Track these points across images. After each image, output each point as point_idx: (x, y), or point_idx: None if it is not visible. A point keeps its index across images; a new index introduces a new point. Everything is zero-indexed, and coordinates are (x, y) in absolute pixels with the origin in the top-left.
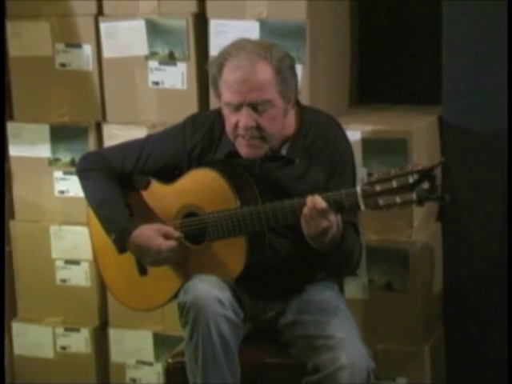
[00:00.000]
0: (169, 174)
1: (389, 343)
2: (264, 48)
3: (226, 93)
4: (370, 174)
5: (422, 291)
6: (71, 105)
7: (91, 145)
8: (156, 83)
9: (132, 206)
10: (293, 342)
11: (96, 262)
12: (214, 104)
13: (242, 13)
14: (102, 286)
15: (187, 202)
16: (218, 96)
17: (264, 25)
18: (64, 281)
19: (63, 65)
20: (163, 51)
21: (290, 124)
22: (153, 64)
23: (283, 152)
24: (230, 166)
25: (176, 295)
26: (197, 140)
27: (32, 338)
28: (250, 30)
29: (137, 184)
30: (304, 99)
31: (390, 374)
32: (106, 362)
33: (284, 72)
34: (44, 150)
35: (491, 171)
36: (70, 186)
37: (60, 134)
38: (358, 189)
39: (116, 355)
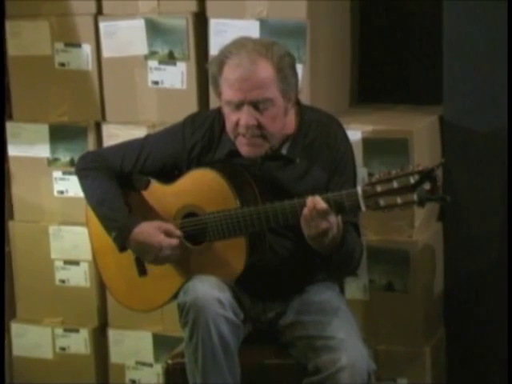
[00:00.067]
0: (168, 174)
1: (389, 344)
2: (265, 46)
3: (227, 91)
4: (370, 174)
5: (422, 292)
6: (70, 104)
7: (90, 145)
8: (156, 83)
9: (131, 206)
10: (293, 342)
11: (95, 263)
12: (213, 104)
13: (242, 12)
14: (102, 287)
15: (187, 202)
16: (219, 95)
17: (264, 24)
18: (63, 281)
19: (62, 64)
20: (163, 51)
21: (290, 123)
22: (152, 63)
23: (283, 151)
24: (230, 166)
25: (176, 296)
26: (196, 139)
27: (31, 339)
28: (250, 29)
29: (136, 184)
30: (304, 99)
31: (391, 375)
32: (105, 362)
33: (285, 70)
34: (43, 150)
35: (492, 171)
36: (69, 186)
37: (59, 134)
38: (359, 189)
39: (115, 356)
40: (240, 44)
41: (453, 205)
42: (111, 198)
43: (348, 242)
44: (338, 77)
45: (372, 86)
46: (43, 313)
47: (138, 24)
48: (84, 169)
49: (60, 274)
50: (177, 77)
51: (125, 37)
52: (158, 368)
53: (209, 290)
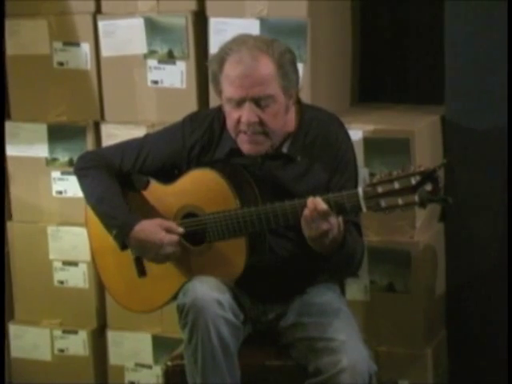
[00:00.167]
0: (168, 174)
1: (391, 345)
2: (265, 43)
3: (228, 88)
4: (371, 174)
5: (424, 293)
6: (69, 104)
7: (89, 144)
8: (155, 82)
9: (131, 206)
10: (293, 344)
11: (94, 263)
12: (213, 103)
13: (242, 11)
14: (101, 288)
15: (187, 202)
16: (219, 93)
17: (264, 23)
18: (62, 282)
19: (61, 63)
20: (162, 50)
21: (290, 121)
22: (152, 63)
23: (284, 150)
24: (230, 166)
25: (175, 297)
26: (196, 138)
27: (29, 341)
28: (250, 28)
29: (136, 184)
30: (305, 98)
31: (392, 377)
32: (104, 364)
33: (286, 67)
34: (42, 150)
35: (494, 171)
36: (68, 187)
37: (58, 134)
38: (360, 190)
39: (114, 358)
40: (241, 41)
41: (454, 205)
42: (111, 196)
43: (349, 242)
44: (338, 76)
45: (373, 86)
46: (41, 314)
47: (137, 23)
48: (83, 168)
49: (58, 275)
50: (176, 76)
51: (124, 36)
52: (158, 370)
53: (208, 291)
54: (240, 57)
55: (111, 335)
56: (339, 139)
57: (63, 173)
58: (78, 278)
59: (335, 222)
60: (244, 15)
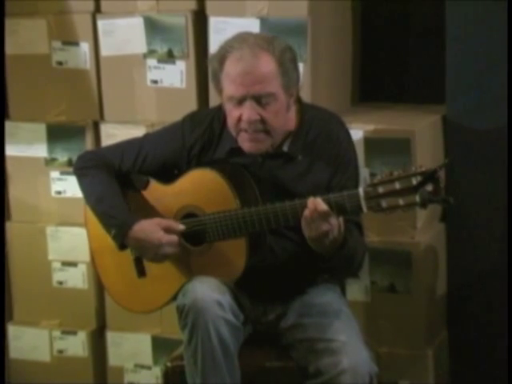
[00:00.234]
0: (168, 174)
1: (392, 346)
2: (266, 40)
3: (229, 86)
4: (372, 174)
5: (425, 293)
6: (68, 104)
7: (88, 144)
8: (154, 82)
9: (131, 206)
10: (294, 345)
11: (94, 264)
12: (213, 102)
13: (242, 10)
14: (100, 289)
15: (186, 202)
16: (220, 91)
17: (264, 22)
18: (61, 283)
19: (60, 63)
20: (162, 49)
21: (291, 120)
22: (151, 62)
23: (285, 149)
24: (230, 166)
25: (175, 297)
26: (196, 137)
27: (28, 342)
28: (250, 27)
29: (136, 184)
30: (305, 98)
31: (393, 378)
32: (103, 365)
33: (286, 64)
34: (40, 150)
35: (495, 171)
36: (67, 187)
37: (57, 134)
38: (361, 191)
39: (114, 359)
40: (241, 38)
41: (455, 205)
42: (110, 196)
43: (349, 243)
44: (339, 75)
45: (374, 85)
46: (40, 315)
47: (137, 22)
48: (83, 168)
49: (57, 276)
50: (176, 75)
51: (123, 35)
52: (157, 371)
53: (208, 292)
54: (241, 54)
55: (110, 336)
56: (340, 138)
57: (62, 173)
58: (77, 278)
59: (335, 223)
60: (244, 14)
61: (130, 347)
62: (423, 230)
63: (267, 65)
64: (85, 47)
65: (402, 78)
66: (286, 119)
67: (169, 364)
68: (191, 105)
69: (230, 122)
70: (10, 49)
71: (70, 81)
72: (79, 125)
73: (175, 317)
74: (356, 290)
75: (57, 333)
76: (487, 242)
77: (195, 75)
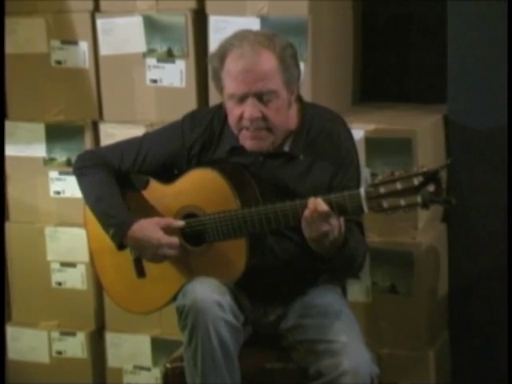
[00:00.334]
0: (168, 173)
1: (393, 347)
2: (267, 37)
3: (230, 84)
4: (373, 175)
5: (426, 294)
6: (67, 103)
7: (87, 144)
8: (154, 81)
9: (131, 206)
10: (294, 346)
11: (93, 264)
12: (213, 102)
13: (242, 9)
14: (99, 289)
15: (187, 202)
16: (220, 90)
17: (265, 21)
18: (59, 284)
19: (59, 62)
20: (161, 48)
21: (292, 119)
22: (151, 61)
23: (286, 148)
24: (231, 166)
25: (175, 298)
26: (196, 137)
27: (27, 343)
28: (250, 26)
29: (136, 184)
30: (306, 97)
31: (394, 379)
32: (102, 366)
33: (287, 61)
34: (39, 150)
35: (497, 171)
36: (66, 187)
37: (56, 133)
38: (362, 191)
39: (113, 360)
40: (241, 36)
41: (457, 206)
42: (110, 196)
43: (350, 244)
44: (340, 75)
45: (375, 85)
46: (39, 316)
47: (136, 21)
48: (82, 167)
49: (56, 277)
50: (176, 75)
51: (122, 34)
52: (157, 372)
53: (208, 293)
54: (242, 52)
55: (110, 337)
56: (341, 137)
57: (61, 173)
58: (75, 279)
59: (336, 224)
60: (244, 13)
61: (130, 348)
62: (424, 230)
63: (268, 62)
64: (84, 46)
65: (403, 77)
66: (287, 117)
67: (168, 365)
68: (191, 104)
69: (232, 120)
70: (8, 48)
71: (68, 80)
72: (78, 124)
73: (175, 318)
74: (357, 290)
75: (56, 334)
76: (489, 243)
77: (195, 74)
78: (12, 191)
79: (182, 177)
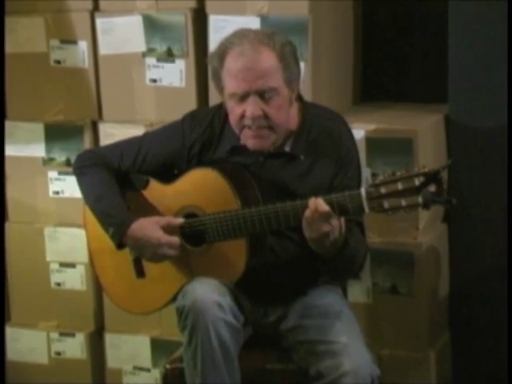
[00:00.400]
0: (168, 173)
1: (393, 348)
2: (266, 35)
3: (231, 83)
4: (374, 175)
5: (427, 295)
6: (66, 103)
7: (87, 144)
8: (154, 81)
9: (130, 205)
10: (295, 347)
11: (92, 265)
12: (213, 102)
13: (242, 8)
14: (98, 290)
15: (187, 202)
16: (221, 89)
17: (265, 21)
18: (59, 284)
19: (58, 62)
20: (161, 48)
21: (293, 119)
22: (150, 61)
23: (287, 148)
24: (231, 166)
25: (174, 298)
26: (196, 137)
27: (26, 344)
28: (250, 25)
29: (135, 183)
30: (306, 97)
31: (395, 380)
32: (102, 367)
33: (287, 58)
34: (38, 150)
35: (498, 172)
36: (65, 187)
37: (55, 133)
38: (363, 191)
39: (112, 361)
40: (241, 34)
41: (458, 206)
42: (109, 195)
43: (350, 244)
44: (340, 75)
45: (375, 85)
46: (38, 317)
47: (136, 20)
48: (82, 167)
49: (55, 277)
50: (175, 74)
51: (122, 33)
52: (156, 373)
53: (208, 293)
54: (241, 50)
55: (109, 338)
56: (342, 137)
57: (60, 173)
58: (75, 279)
59: (336, 224)
60: (244, 12)
61: (129, 349)
62: (425, 230)
63: (268, 59)
64: (83, 46)
65: (404, 77)
66: (288, 115)
67: (168, 366)
68: (191, 104)
69: (233, 119)
70: (8, 47)
71: (68, 80)
72: (77, 124)
73: (175, 318)
74: (357, 291)
75: (55, 335)
76: (490, 243)
77: (195, 74)
78: (11, 191)
79: (182, 177)
